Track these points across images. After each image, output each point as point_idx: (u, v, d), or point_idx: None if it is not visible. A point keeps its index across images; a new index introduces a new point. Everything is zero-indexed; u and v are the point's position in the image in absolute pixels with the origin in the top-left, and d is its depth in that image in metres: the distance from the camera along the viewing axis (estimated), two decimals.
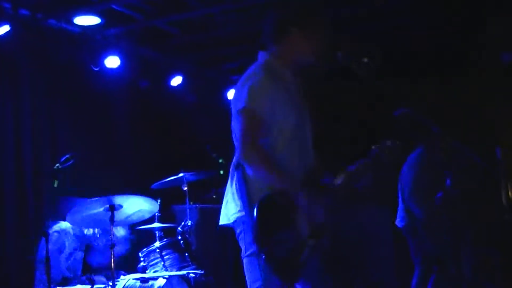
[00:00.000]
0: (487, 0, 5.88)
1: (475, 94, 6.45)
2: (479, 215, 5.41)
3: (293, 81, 3.03)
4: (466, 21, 6.24)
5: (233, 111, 2.85)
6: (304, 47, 3.01)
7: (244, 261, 2.85)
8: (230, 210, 2.89)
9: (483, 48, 6.34)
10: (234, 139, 2.89)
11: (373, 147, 3.07)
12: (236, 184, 2.82)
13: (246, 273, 2.85)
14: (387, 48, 6.74)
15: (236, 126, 2.81)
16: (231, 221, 2.89)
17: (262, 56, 3.03)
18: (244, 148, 2.72)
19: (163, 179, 5.55)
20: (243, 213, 2.76)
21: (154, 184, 5.52)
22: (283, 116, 2.84)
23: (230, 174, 2.91)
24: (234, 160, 2.88)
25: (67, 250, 4.89)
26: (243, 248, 2.85)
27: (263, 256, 2.63)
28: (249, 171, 2.73)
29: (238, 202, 2.82)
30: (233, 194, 2.87)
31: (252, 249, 2.74)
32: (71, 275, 4.89)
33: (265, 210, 2.68)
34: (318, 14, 3.10)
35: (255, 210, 2.66)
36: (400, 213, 5.25)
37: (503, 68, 6.28)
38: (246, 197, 2.74)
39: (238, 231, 2.87)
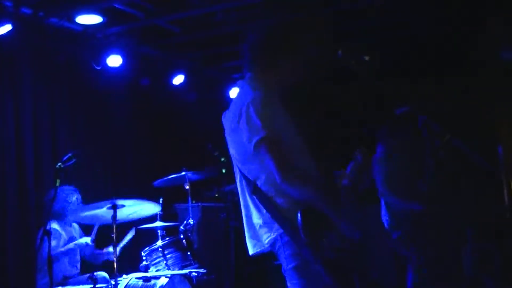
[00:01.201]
0: (487, 0, 5.88)
1: (475, 94, 6.46)
2: (480, 213, 5.42)
3: (287, 96, 3.06)
4: (466, 21, 6.25)
5: (248, 140, 2.82)
6: (290, 68, 3.03)
7: (286, 274, 2.89)
8: (262, 236, 2.91)
9: (483, 48, 6.34)
10: (243, 167, 2.92)
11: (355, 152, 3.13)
12: (261, 209, 2.88)
13: (289, 286, 2.89)
14: (387, 47, 6.76)
15: (264, 156, 2.80)
16: (267, 245, 2.90)
17: (245, 86, 3.02)
18: (282, 175, 2.75)
19: (165, 178, 5.55)
20: (279, 231, 2.83)
21: (156, 182, 5.52)
22: (287, 133, 2.90)
23: (244, 202, 2.96)
24: (247, 188, 2.92)
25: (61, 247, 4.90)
26: (284, 263, 2.88)
27: (319, 261, 2.71)
28: (293, 193, 2.78)
29: (270, 225, 2.86)
30: (260, 219, 2.89)
31: (294, 262, 2.81)
32: (72, 273, 4.90)
33: (308, 217, 2.75)
34: (298, 32, 3.07)
35: (298, 218, 2.73)
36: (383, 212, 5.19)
37: (503, 68, 6.29)
38: (278, 216, 2.80)
39: (276, 249, 2.90)
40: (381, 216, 5.77)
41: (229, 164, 5.57)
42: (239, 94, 3.02)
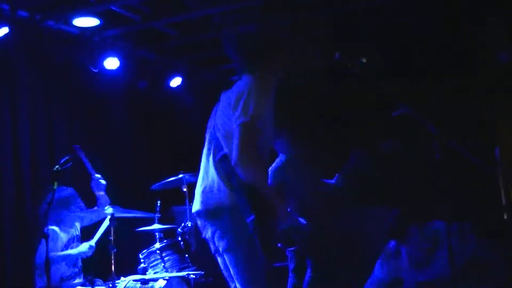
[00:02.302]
0: (487, 0, 5.87)
1: (475, 94, 6.45)
2: (478, 214, 5.41)
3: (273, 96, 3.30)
4: (466, 21, 6.24)
5: (237, 117, 3.11)
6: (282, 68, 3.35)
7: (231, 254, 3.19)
8: (210, 199, 3.22)
9: (483, 48, 6.33)
10: (222, 139, 3.20)
11: None
12: (221, 176, 3.17)
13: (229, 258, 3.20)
14: (387, 48, 6.75)
15: (235, 135, 3.09)
16: (211, 208, 3.21)
17: (247, 76, 3.29)
18: (243, 156, 3.05)
19: (162, 181, 5.55)
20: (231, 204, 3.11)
21: (154, 185, 5.52)
22: (268, 129, 3.21)
23: (214, 165, 3.23)
24: (217, 153, 3.21)
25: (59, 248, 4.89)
26: (230, 237, 3.15)
27: (254, 220, 3.00)
28: (242, 175, 3.07)
29: (224, 194, 3.15)
30: (217, 184, 3.19)
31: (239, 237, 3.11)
32: (70, 273, 4.87)
33: (259, 198, 3.04)
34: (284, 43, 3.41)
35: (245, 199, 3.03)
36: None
37: (503, 68, 6.27)
38: (237, 187, 3.09)
39: (215, 218, 3.20)
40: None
41: None
42: (242, 80, 3.29)
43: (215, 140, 3.25)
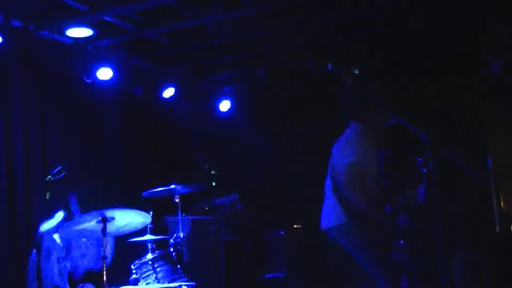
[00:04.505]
0: (487, 0, 5.90)
1: (475, 94, 6.44)
2: (470, 223, 5.42)
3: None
4: (466, 21, 6.25)
5: (342, 160, 4.09)
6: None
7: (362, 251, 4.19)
8: (332, 218, 4.18)
9: (483, 48, 6.33)
10: (336, 175, 4.15)
11: None
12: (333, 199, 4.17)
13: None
14: (387, 48, 6.76)
15: (344, 173, 4.06)
16: (332, 224, 4.18)
17: (354, 124, 4.26)
18: (349, 191, 4.04)
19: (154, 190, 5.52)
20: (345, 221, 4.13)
21: (145, 192, 5.46)
22: (370, 166, 4.20)
23: (328, 193, 4.23)
24: (331, 184, 4.19)
25: (54, 257, 4.85)
26: (356, 242, 4.15)
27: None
28: (353, 204, 4.07)
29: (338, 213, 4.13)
30: (337, 207, 4.15)
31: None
32: (61, 283, 4.84)
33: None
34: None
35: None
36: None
37: (495, 76, 6.28)
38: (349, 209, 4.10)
39: (340, 233, 4.16)
40: None
41: (219, 177, 5.58)
42: (351, 128, 4.29)
43: (334, 176, 4.17)
